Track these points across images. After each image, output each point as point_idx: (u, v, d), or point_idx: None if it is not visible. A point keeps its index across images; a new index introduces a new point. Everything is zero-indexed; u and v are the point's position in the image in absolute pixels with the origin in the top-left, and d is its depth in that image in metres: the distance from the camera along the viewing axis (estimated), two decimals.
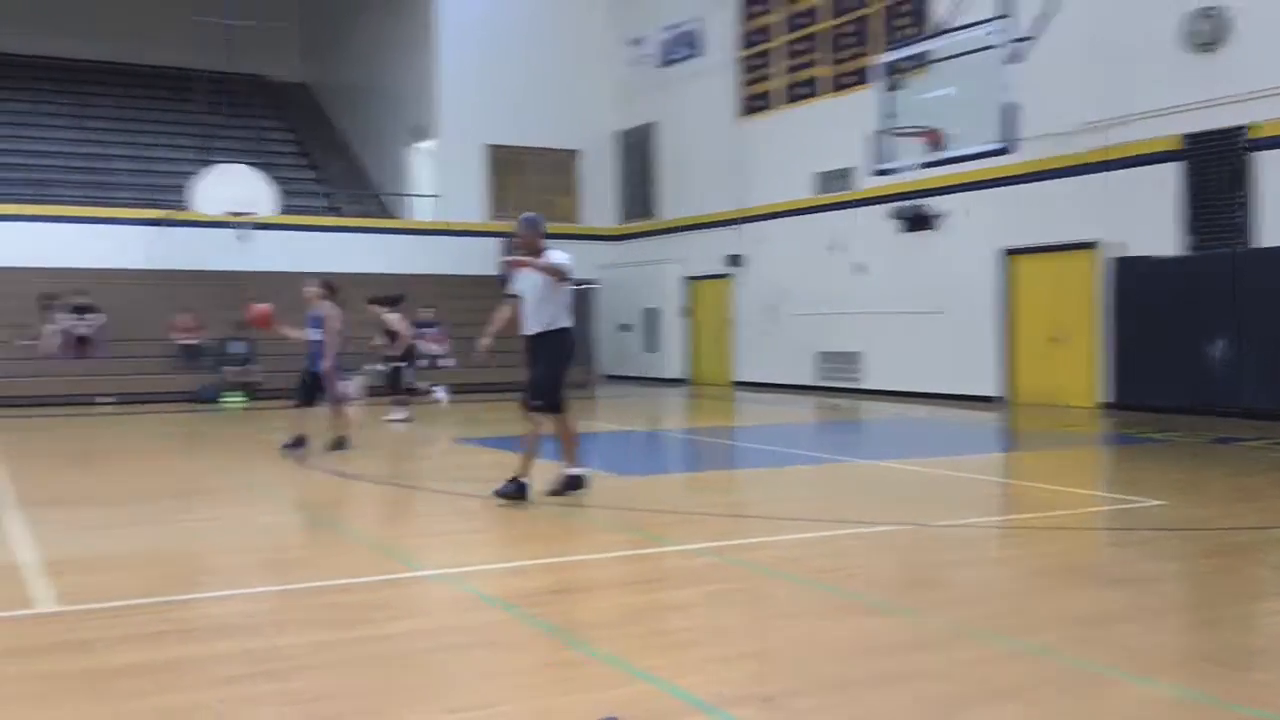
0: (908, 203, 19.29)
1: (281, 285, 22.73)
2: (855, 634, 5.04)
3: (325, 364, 11.71)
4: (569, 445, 8.54)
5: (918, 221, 19.25)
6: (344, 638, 4.96)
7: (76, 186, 24.81)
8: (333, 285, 12.07)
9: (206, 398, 19.58)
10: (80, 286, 20.69)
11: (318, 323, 11.77)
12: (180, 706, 4.05)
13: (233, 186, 21.76)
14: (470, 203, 25.60)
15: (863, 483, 10.14)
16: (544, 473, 8.68)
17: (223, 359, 20.44)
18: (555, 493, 8.45)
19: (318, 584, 6.08)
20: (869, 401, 19.03)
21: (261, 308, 11.99)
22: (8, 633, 5.07)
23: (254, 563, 6.84)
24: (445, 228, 25.19)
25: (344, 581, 6.10)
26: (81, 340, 20.25)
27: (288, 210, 22.94)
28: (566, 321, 8.35)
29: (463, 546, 7.31)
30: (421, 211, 26.58)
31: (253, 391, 19.87)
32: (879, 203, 19.83)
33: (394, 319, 14.43)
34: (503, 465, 8.48)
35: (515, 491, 8.15)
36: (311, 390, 11.80)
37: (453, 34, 25.73)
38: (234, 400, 19.76)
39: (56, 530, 7.58)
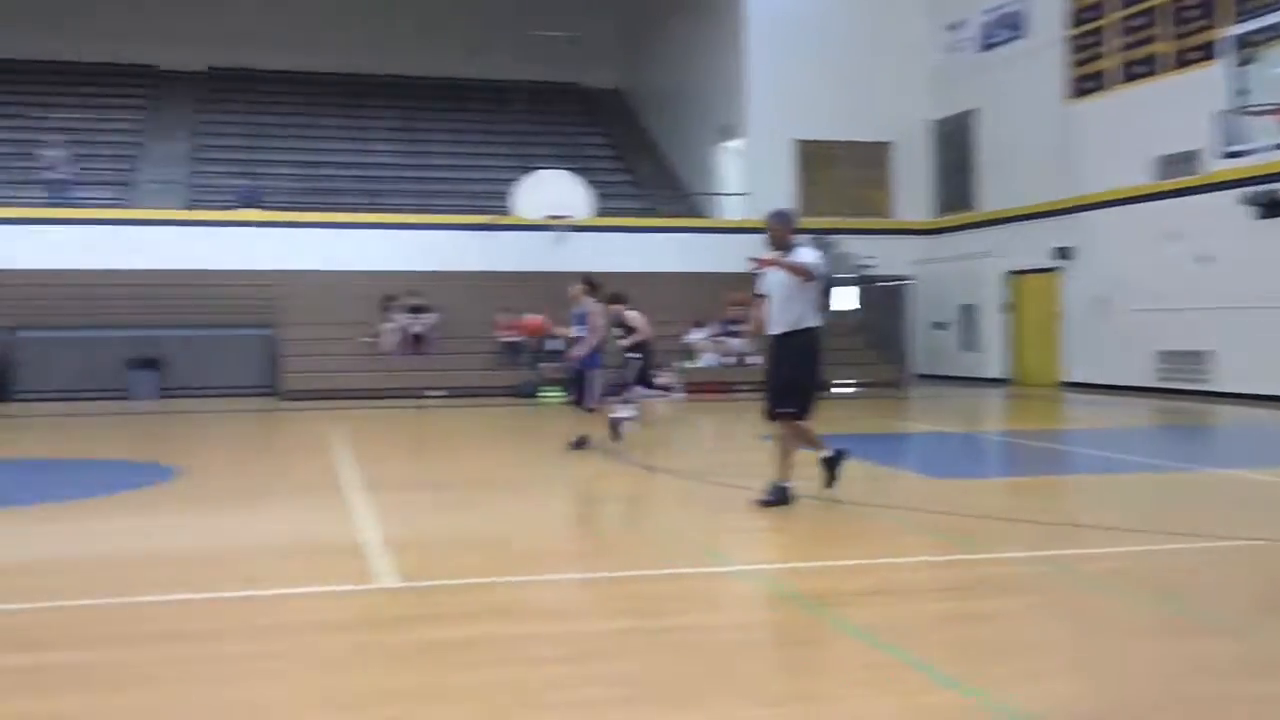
0: (1263, 187, 17.34)
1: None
2: (1189, 654, 4.55)
3: (579, 351, 11.74)
4: (809, 441, 8.07)
5: (1275, 207, 17.27)
6: (650, 626, 5.03)
7: (410, 195, 26.59)
8: (595, 282, 12.10)
9: (526, 393, 20.39)
10: (415, 288, 22.12)
11: (582, 320, 11.85)
12: (503, 681, 4.23)
13: (551, 191, 22.63)
14: (779, 199, 25.22)
15: (1209, 493, 9.11)
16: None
17: (540, 356, 21.24)
18: (829, 483, 8.03)
19: (625, 574, 6.18)
20: (1220, 405, 17.25)
21: (533, 319, 12.22)
22: (353, 605, 5.46)
23: (566, 550, 7.02)
24: (755, 225, 25.03)
25: (649, 572, 6.13)
26: (416, 338, 21.64)
27: (602, 212, 23.58)
28: (813, 321, 7.91)
29: (767, 543, 7.20)
30: (731, 210, 26.64)
31: (568, 387, 20.48)
32: (1229, 187, 17.94)
33: (633, 315, 14.27)
34: (807, 463, 8.18)
35: (779, 498, 7.81)
36: (583, 388, 11.87)
37: (761, 31, 25.61)
38: (550, 395, 20.46)
39: (395, 512, 8.03)
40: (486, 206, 24.65)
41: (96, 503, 8.93)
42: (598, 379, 11.83)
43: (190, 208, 24.88)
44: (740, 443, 13.29)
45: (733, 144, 26.96)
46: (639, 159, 30.37)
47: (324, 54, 30.99)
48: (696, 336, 21.98)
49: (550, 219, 22.75)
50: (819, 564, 6.46)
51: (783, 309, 7.86)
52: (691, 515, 8.07)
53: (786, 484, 7.87)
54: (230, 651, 4.68)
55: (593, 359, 11.80)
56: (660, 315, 22.33)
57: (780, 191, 25.26)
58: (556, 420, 16.83)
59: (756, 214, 25.16)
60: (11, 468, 11.29)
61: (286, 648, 4.72)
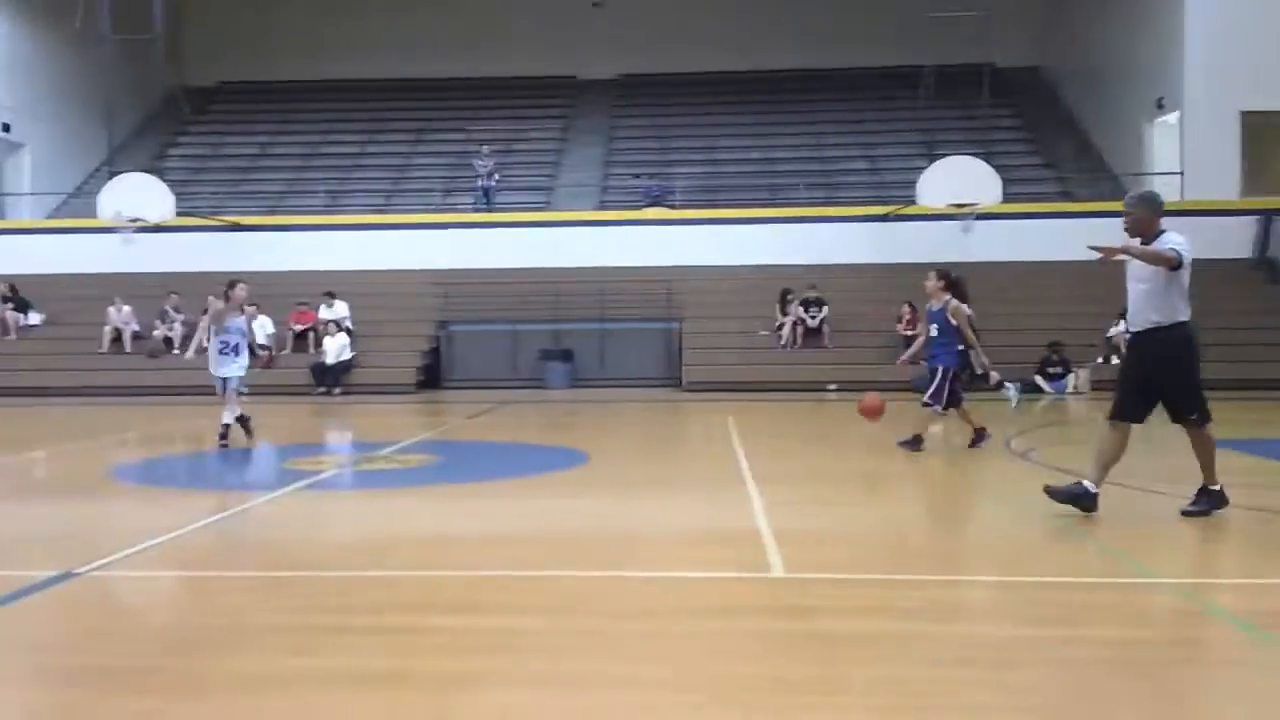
0: None
1: (1005, 276, 22.18)
2: None
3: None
4: (1209, 455, 7.14)
5: None
6: (1055, 636, 4.67)
7: (811, 189, 26.41)
8: (950, 276, 11.15)
9: (919, 388, 19.53)
10: (813, 281, 21.90)
11: (937, 318, 10.96)
12: (892, 679, 4.11)
13: (956, 178, 21.62)
14: (1222, 178, 22.84)
15: None
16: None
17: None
18: (1194, 508, 7.09)
19: (1028, 578, 5.80)
20: None
21: (872, 403, 11.42)
22: (747, 593, 5.47)
23: (962, 550, 6.72)
24: (1191, 207, 22.73)
25: (1057, 579, 5.75)
26: (813, 331, 21.41)
27: (1013, 198, 22.25)
28: (1180, 315, 6.94)
29: (1197, 555, 6.62)
30: (1162, 190, 24.27)
31: (970, 382, 19.54)
32: None
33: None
34: (1240, 471, 7.54)
35: (1210, 505, 7.05)
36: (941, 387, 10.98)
37: None
38: None
39: (787, 503, 7.97)
40: (889, 197, 24.03)
41: (518, 483, 9.47)
42: (949, 379, 10.96)
43: (602, 209, 26.14)
44: (1163, 445, 11.91)
45: (1167, 119, 24.57)
46: (1056, 140, 28.46)
47: (726, 54, 31.56)
48: (1120, 330, 20.17)
49: (956, 207, 21.75)
50: (1258, 581, 5.72)
51: (1146, 302, 6.99)
52: (1106, 520, 7.21)
53: (1215, 487, 7.08)
54: (632, 629, 4.81)
55: (949, 357, 10.94)
56: (1079, 307, 20.83)
57: (1222, 168, 22.86)
58: (952, 417, 16.13)
59: (1194, 194, 22.97)
60: (443, 448, 12.18)
61: (685, 629, 4.80)
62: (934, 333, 11.00)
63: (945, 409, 10.98)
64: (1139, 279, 7.02)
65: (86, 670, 4.29)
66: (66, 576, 5.68)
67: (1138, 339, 7.12)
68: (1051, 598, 5.37)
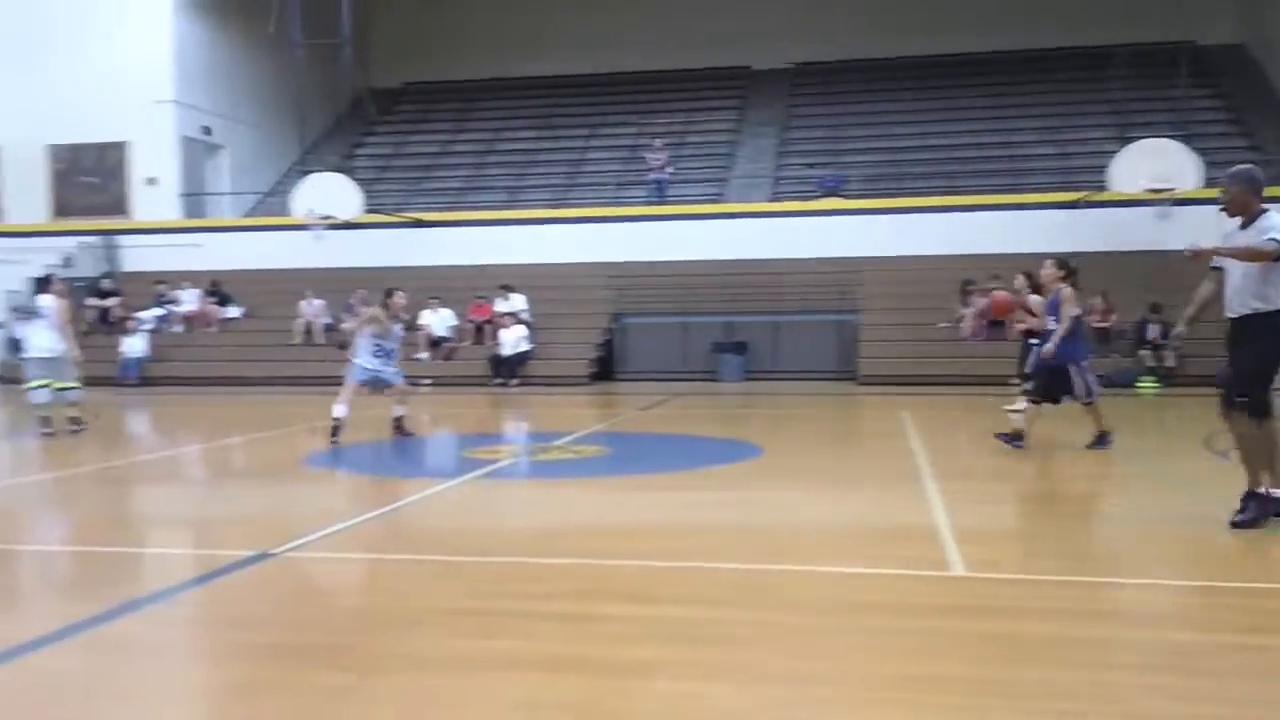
0: None
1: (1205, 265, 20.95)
2: None
3: (1049, 349, 10.14)
4: (1273, 459, 6.49)
5: None
6: (1250, 644, 4.48)
7: (992, 175, 25.53)
8: (1069, 265, 10.43)
9: (1121, 382, 18.65)
10: (995, 271, 21.15)
11: (1054, 308, 10.31)
12: (1068, 682, 3.98)
13: (1153, 161, 20.52)
14: None
15: None
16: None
17: (1138, 343, 19.39)
18: (1246, 523, 6.48)
19: (1227, 584, 5.55)
20: None
21: (1001, 296, 10.82)
22: (926, 590, 5.34)
23: (1158, 552, 6.34)
24: None
25: (1260, 585, 5.48)
26: (995, 323, 20.69)
27: (1214, 183, 20.98)
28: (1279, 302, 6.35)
29: None
30: None
31: (1167, 376, 18.59)
32: None
33: (1035, 300, 11.96)
34: None
35: (1255, 516, 6.46)
36: (1051, 385, 10.33)
37: None
38: (1148, 385, 18.63)
39: (964, 501, 7.70)
40: (1078, 183, 23.01)
41: (691, 475, 9.51)
42: (1087, 370, 10.32)
43: (775, 200, 25.90)
44: None
45: None
46: (1262, 120, 26.73)
47: (902, 39, 30.79)
48: None
49: (1151, 192, 20.65)
50: None
51: (1241, 287, 6.42)
52: None
53: (1273, 491, 6.52)
54: (807, 624, 4.75)
55: (1075, 349, 10.30)
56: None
57: None
58: (1155, 412, 15.36)
59: None
60: (617, 440, 12.28)
61: (861, 625, 4.75)
62: (1051, 324, 10.44)
63: (1055, 402, 10.45)
64: (1238, 263, 6.49)
65: (282, 646, 4.46)
66: (262, 557, 5.93)
67: (1237, 324, 6.55)
68: (1243, 603, 5.11)
